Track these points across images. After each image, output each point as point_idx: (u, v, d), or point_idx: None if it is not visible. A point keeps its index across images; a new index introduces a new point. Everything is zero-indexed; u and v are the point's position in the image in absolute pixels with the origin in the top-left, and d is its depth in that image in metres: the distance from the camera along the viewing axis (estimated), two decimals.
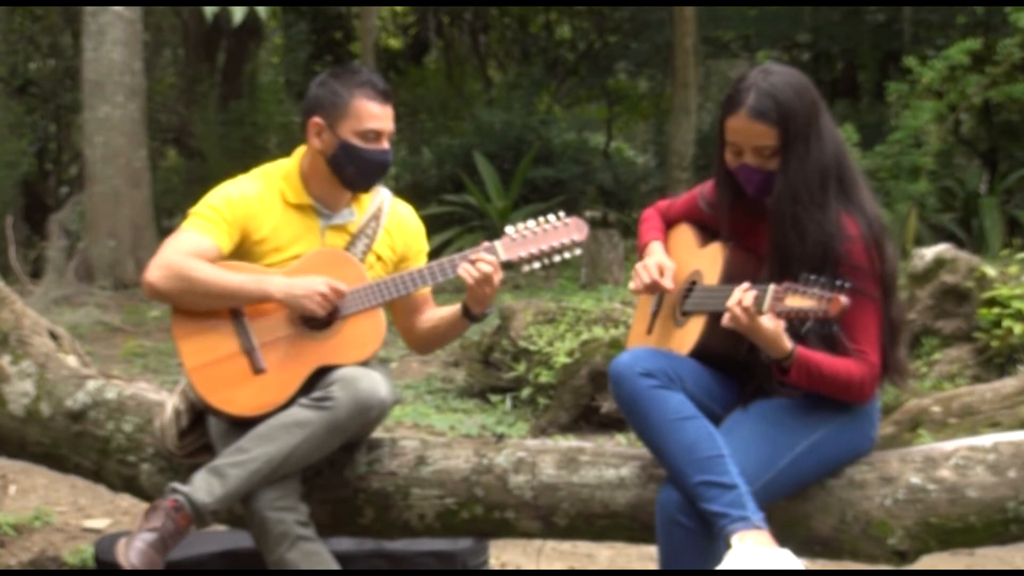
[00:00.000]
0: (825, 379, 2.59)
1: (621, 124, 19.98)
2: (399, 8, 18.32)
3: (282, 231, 2.95)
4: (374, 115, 2.93)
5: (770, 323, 2.51)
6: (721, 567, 2.44)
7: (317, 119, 2.93)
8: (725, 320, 2.55)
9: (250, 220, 2.92)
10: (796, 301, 2.44)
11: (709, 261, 2.82)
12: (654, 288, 2.87)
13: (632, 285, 2.91)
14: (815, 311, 2.41)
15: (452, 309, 3.06)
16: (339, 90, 2.92)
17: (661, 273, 2.85)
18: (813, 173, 2.62)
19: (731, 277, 2.71)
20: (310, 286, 2.83)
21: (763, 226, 2.72)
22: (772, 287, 2.49)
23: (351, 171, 2.95)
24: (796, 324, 2.46)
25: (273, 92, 15.45)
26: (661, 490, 2.63)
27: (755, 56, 15.76)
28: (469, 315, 3.01)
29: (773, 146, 2.64)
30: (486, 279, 2.89)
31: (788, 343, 2.54)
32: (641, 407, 2.64)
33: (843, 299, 2.39)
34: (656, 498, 2.64)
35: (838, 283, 2.41)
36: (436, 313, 3.12)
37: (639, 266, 2.89)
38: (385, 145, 2.96)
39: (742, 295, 2.53)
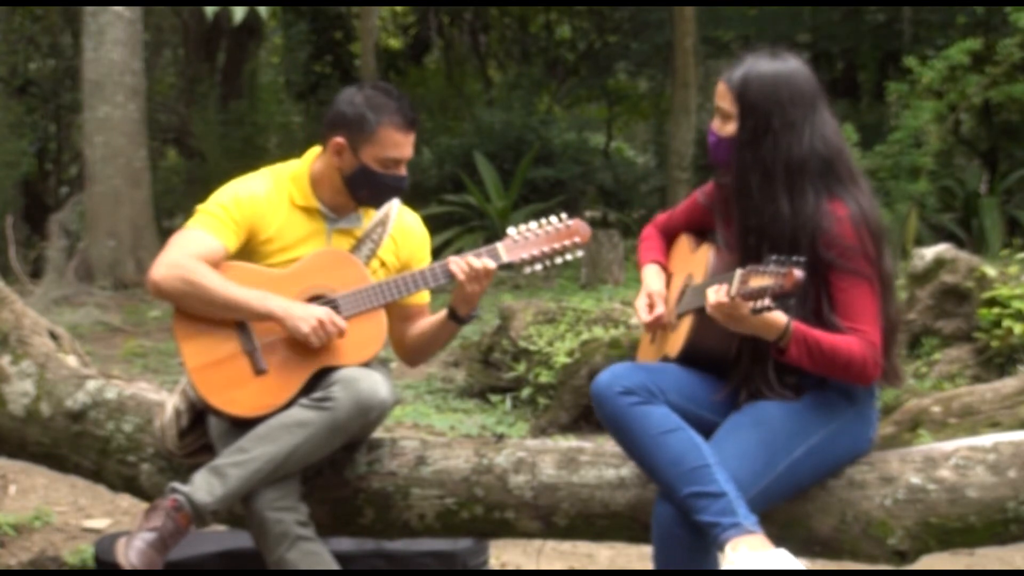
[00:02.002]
0: (825, 354, 2.56)
1: (621, 124, 19.97)
2: (399, 8, 18.32)
3: (288, 232, 2.95)
4: (398, 145, 2.93)
5: (748, 303, 2.49)
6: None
7: (340, 139, 2.93)
8: (710, 312, 2.56)
9: (258, 220, 2.92)
10: (758, 281, 2.43)
11: (699, 263, 2.84)
12: (655, 325, 2.92)
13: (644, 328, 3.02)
14: (773, 288, 2.40)
15: (439, 315, 3.06)
16: (369, 116, 2.90)
17: (652, 308, 2.91)
18: (775, 155, 2.63)
19: (716, 274, 2.72)
20: (311, 313, 2.82)
21: None
22: (738, 271, 2.50)
23: (365, 193, 2.97)
24: (760, 305, 2.44)
25: (273, 92, 15.45)
26: (657, 504, 2.62)
27: None
28: (455, 317, 3.01)
29: (728, 110, 2.70)
30: (476, 276, 2.90)
31: (781, 319, 2.52)
32: (624, 425, 2.64)
33: (797, 272, 2.37)
34: (652, 512, 2.63)
35: (794, 259, 2.40)
36: (426, 321, 3.12)
37: (635, 305, 2.97)
38: (403, 171, 2.97)
39: (716, 290, 2.55)
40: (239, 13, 6.81)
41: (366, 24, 12.26)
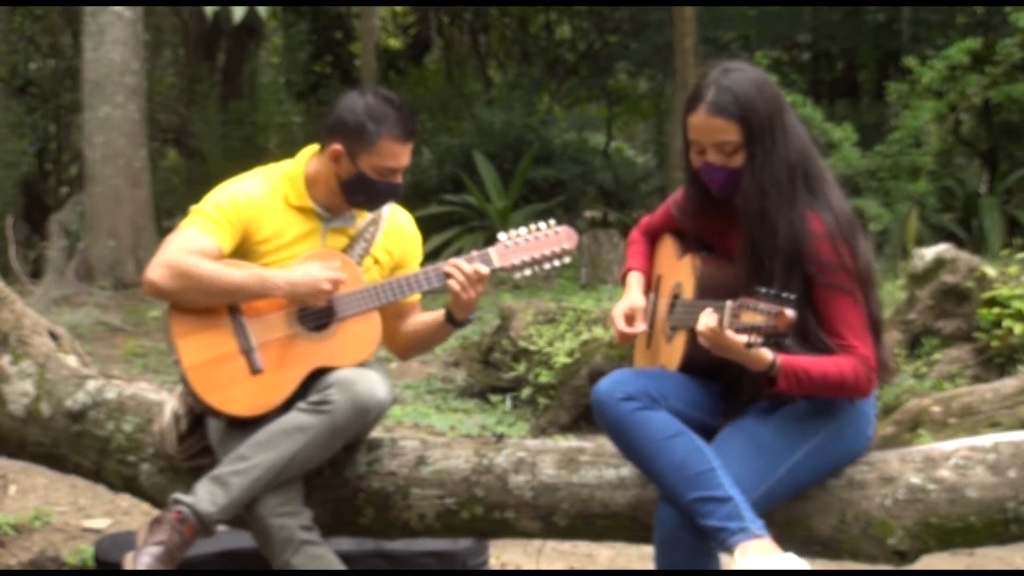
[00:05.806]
0: (815, 382, 2.54)
1: (621, 124, 19.95)
2: (399, 8, 18.31)
3: (284, 232, 2.96)
4: (396, 155, 2.93)
5: (740, 339, 2.45)
6: None
7: (339, 146, 2.93)
8: (699, 340, 2.54)
9: (253, 221, 2.93)
10: (750, 317, 2.40)
11: (686, 273, 2.81)
12: (627, 339, 2.88)
13: (616, 340, 2.95)
14: (766, 328, 2.37)
15: (435, 315, 3.08)
16: (369, 127, 2.90)
17: (630, 322, 2.86)
18: (780, 168, 2.58)
19: (705, 289, 2.70)
20: (312, 280, 2.84)
21: (734, 228, 2.68)
22: (729, 305, 2.45)
23: (361, 198, 2.99)
24: (753, 341, 2.41)
25: (273, 92, 15.46)
26: (659, 507, 2.62)
27: (755, 56, 15.74)
28: (452, 321, 3.03)
29: (735, 142, 2.59)
30: (470, 283, 2.91)
31: (768, 354, 2.49)
32: (626, 431, 2.63)
33: (789, 312, 2.34)
34: (654, 516, 2.63)
35: (784, 295, 2.36)
36: (420, 318, 3.13)
37: (611, 316, 2.91)
38: (398, 179, 2.98)
39: (707, 319, 2.51)
40: (239, 13, 6.83)
41: (366, 24, 12.25)
